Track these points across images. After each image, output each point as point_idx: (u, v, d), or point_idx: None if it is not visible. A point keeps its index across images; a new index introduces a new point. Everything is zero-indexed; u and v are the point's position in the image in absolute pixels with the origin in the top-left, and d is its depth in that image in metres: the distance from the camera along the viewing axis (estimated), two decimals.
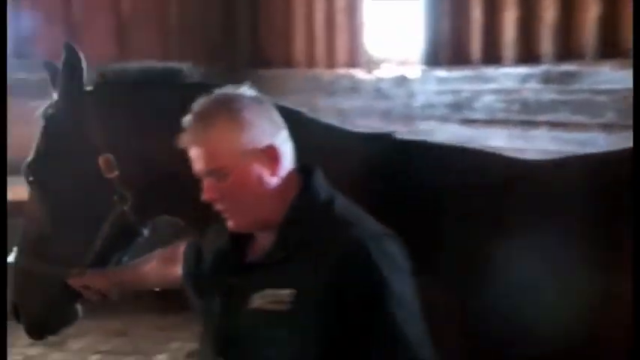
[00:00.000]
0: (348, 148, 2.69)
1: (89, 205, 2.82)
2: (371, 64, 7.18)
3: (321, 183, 2.29)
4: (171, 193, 2.78)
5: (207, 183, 2.24)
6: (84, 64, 2.84)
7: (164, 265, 2.90)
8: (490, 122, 5.91)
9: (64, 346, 6.59)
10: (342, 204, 2.27)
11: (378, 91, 6.89)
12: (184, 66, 2.93)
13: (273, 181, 2.22)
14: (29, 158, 2.90)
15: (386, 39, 7.21)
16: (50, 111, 2.90)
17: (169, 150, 2.66)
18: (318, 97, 7.45)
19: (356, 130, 2.89)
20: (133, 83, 2.87)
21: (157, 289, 3.05)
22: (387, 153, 2.70)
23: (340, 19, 7.54)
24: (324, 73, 7.60)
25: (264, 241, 2.27)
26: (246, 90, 2.29)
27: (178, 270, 2.70)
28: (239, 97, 2.26)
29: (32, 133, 2.95)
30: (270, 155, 2.22)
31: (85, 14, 8.02)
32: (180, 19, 8.43)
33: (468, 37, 6.23)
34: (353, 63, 7.42)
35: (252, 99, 2.27)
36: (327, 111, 7.35)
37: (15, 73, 5.67)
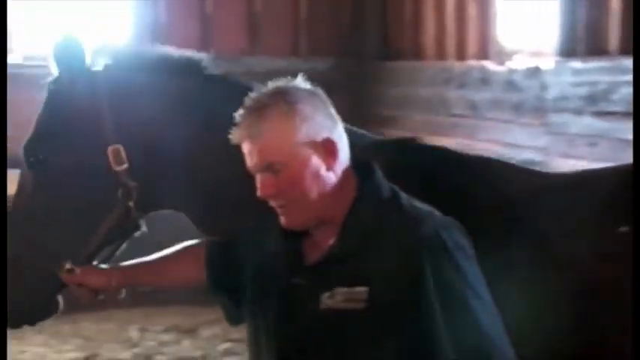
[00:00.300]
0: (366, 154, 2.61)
1: (90, 197, 2.63)
2: (503, 56, 7.05)
3: (382, 179, 2.24)
4: (179, 187, 2.66)
5: (262, 179, 2.17)
6: (85, 48, 2.68)
7: (186, 265, 2.60)
8: (627, 115, 5.71)
9: (195, 334, 6.75)
10: (406, 198, 2.23)
11: (509, 82, 6.76)
12: (204, 56, 2.78)
13: (330, 176, 2.17)
14: (29, 137, 2.71)
15: (518, 29, 7.07)
16: (52, 87, 2.72)
17: (183, 141, 2.63)
18: (448, 89, 7.37)
19: (377, 135, 2.81)
20: (149, 70, 2.70)
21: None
22: (402, 160, 2.59)
23: (471, 9, 7.44)
24: (454, 65, 7.50)
25: (322, 239, 2.21)
26: (301, 82, 2.24)
27: (201, 271, 2.52)
28: (294, 90, 2.20)
29: None
30: (328, 149, 2.16)
31: (218, 8, 8.17)
32: (309, 13, 8.48)
33: (605, 27, 6.03)
34: (484, 54, 7.30)
35: (308, 91, 2.21)
36: (457, 103, 7.28)
37: None
